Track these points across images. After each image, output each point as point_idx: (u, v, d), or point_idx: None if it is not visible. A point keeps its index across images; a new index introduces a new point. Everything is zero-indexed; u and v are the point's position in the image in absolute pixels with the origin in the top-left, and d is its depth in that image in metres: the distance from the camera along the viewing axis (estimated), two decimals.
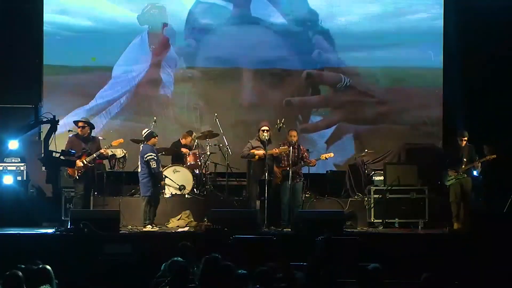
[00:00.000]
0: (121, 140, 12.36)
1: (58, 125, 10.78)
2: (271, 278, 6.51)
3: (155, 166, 11.71)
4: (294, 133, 12.26)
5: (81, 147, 11.61)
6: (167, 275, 6.82)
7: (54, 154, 10.74)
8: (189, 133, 13.77)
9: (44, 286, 6.11)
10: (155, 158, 11.77)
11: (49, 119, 10.50)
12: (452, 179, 12.16)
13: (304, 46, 15.31)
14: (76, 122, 12.01)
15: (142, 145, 12.47)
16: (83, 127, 11.72)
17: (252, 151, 12.09)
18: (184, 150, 13.42)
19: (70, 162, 11.44)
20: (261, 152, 12.02)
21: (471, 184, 12.28)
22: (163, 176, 12.25)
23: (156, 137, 12.05)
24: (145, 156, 11.84)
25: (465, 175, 12.18)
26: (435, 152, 14.03)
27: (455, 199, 12.13)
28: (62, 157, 10.99)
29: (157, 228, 11.63)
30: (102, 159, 12.32)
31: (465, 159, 12.16)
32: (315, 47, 15.31)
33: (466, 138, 12.24)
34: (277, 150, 12.03)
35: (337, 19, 15.32)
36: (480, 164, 12.25)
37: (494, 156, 12.28)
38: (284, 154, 12.11)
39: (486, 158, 12.30)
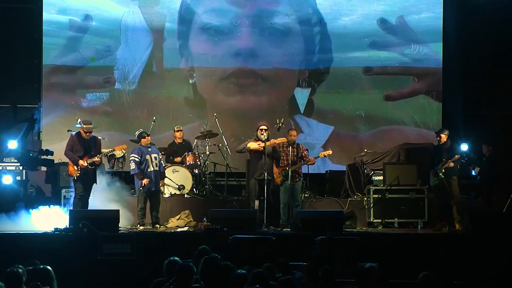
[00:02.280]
0: (125, 146, 12.34)
1: (36, 124, 10.73)
2: (266, 279, 6.50)
3: (134, 167, 11.70)
4: (293, 132, 12.27)
5: (82, 147, 11.57)
6: (165, 274, 6.81)
7: (31, 153, 10.71)
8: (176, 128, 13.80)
9: None
10: (135, 160, 11.69)
11: (27, 117, 10.46)
12: (434, 180, 12.15)
13: (307, 46, 15.32)
14: (80, 127, 11.92)
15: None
16: (89, 132, 11.67)
17: (248, 145, 12.04)
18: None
19: (49, 162, 11.40)
20: (255, 144, 11.96)
21: (455, 184, 12.11)
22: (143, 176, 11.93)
23: (147, 137, 11.95)
24: (129, 157, 11.88)
25: (442, 176, 12.06)
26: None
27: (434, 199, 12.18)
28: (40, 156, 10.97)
29: (142, 228, 11.56)
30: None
31: (444, 159, 12.12)
32: (318, 47, 15.32)
33: (442, 135, 12.17)
34: (275, 141, 12.00)
35: (341, 19, 15.33)
36: (453, 163, 12.12)
37: (458, 156, 12.10)
38: (283, 154, 12.11)
39: (454, 158, 12.15)
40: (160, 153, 12.28)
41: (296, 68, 15.37)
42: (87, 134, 11.57)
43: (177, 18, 15.15)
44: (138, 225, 11.65)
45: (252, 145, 11.96)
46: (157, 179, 11.87)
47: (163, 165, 12.31)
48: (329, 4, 15.36)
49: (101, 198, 11.86)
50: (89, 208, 11.40)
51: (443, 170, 12.00)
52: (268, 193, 11.81)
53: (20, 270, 6.22)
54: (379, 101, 15.44)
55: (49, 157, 11.24)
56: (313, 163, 12.44)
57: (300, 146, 12.35)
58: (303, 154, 12.23)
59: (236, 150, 12.44)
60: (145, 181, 11.65)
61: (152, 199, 11.86)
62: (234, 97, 15.21)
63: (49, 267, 6.43)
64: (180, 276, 6.39)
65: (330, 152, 12.64)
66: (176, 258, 6.89)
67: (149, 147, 11.97)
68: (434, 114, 15.36)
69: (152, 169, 11.80)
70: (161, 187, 12.30)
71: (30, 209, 11.53)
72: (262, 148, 11.86)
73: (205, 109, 15.12)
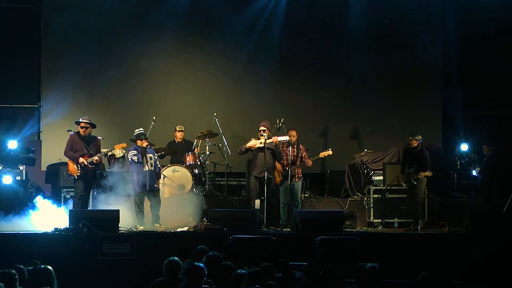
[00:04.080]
0: (124, 145, 12.28)
1: (16, 122, 10.76)
2: (263, 278, 6.51)
3: (136, 159, 11.58)
4: (293, 132, 12.28)
5: (82, 146, 11.56)
6: (165, 274, 6.81)
7: (13, 152, 10.71)
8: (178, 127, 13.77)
9: None
10: (136, 154, 11.64)
11: (8, 116, 10.48)
12: (404, 183, 12.33)
13: (311, 45, 15.35)
14: (78, 123, 11.88)
15: None
16: (85, 128, 11.63)
17: (245, 145, 12.05)
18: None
19: (30, 160, 11.38)
20: (252, 141, 11.97)
21: (422, 186, 12.15)
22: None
23: (144, 140, 11.73)
24: (128, 155, 11.80)
25: (414, 183, 12.11)
26: (434, 152, 14.01)
27: None
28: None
29: (142, 228, 11.55)
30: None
31: (415, 165, 12.13)
32: (322, 46, 15.36)
33: (413, 140, 12.16)
34: (277, 138, 11.99)
35: (343, 17, 15.34)
36: (424, 177, 12.11)
37: (429, 173, 12.06)
38: (283, 154, 12.12)
39: (427, 174, 12.04)
40: (155, 154, 12.20)
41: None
42: (84, 130, 11.52)
43: (180, 17, 15.14)
44: (138, 225, 11.63)
45: (249, 143, 11.96)
46: (152, 178, 11.80)
47: (159, 165, 12.23)
48: (329, 3, 15.34)
49: (101, 198, 11.89)
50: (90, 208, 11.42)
51: (417, 177, 11.98)
52: (268, 193, 11.81)
53: (13, 271, 6.23)
54: (380, 102, 15.44)
55: (31, 155, 11.23)
56: (310, 165, 12.41)
57: (300, 146, 12.36)
58: (303, 154, 12.24)
59: (237, 152, 12.44)
60: (145, 144, 11.60)
61: (151, 198, 11.82)
62: (236, 97, 15.19)
63: (49, 267, 6.44)
64: (191, 278, 6.41)
65: (330, 152, 12.61)
66: (176, 258, 6.89)
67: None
68: (434, 114, 15.34)
69: (147, 168, 11.73)
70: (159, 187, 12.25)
71: (30, 209, 11.53)
72: (256, 145, 11.85)
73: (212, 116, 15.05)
